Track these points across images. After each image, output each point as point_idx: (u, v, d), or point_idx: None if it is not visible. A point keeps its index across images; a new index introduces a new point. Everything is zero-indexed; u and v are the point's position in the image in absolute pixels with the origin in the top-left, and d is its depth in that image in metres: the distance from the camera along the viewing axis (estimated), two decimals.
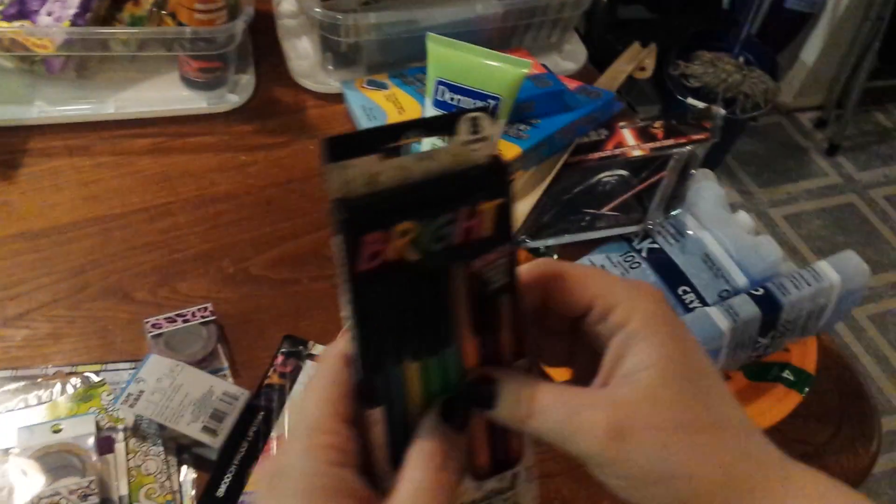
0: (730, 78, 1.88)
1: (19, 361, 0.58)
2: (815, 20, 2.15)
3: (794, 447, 0.64)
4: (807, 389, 0.63)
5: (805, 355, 0.66)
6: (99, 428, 0.54)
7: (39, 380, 0.57)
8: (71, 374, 0.58)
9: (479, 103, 0.56)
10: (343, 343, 0.30)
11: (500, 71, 0.55)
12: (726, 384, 0.31)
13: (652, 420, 0.29)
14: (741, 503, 0.29)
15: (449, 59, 0.55)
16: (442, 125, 0.29)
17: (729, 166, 2.19)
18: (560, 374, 0.38)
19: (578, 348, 0.34)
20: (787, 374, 0.65)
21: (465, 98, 0.56)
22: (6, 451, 0.52)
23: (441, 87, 0.56)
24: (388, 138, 0.28)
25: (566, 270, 0.32)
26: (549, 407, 0.30)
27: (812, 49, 2.20)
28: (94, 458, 0.52)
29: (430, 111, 0.58)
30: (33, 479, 0.49)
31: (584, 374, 0.32)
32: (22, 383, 0.57)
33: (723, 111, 0.82)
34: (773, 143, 2.28)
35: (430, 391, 0.30)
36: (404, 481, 0.29)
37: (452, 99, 0.57)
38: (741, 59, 1.97)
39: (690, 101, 1.87)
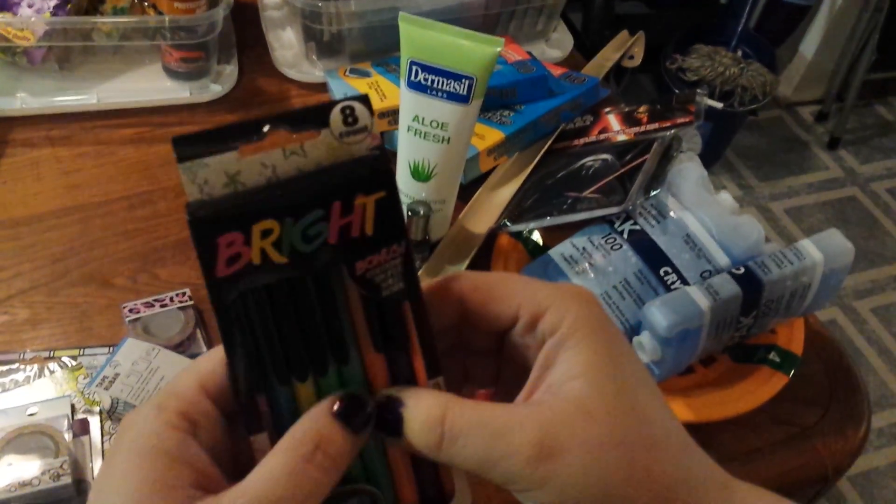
0: (727, 71, 1.87)
1: None
2: (814, 13, 2.14)
3: (782, 429, 0.64)
4: (793, 371, 0.62)
5: (791, 337, 0.65)
6: (74, 411, 0.54)
7: (17, 364, 0.57)
8: (48, 358, 0.58)
9: (453, 83, 0.56)
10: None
11: (473, 50, 0.54)
12: (663, 396, 0.29)
13: (584, 436, 0.26)
14: None
15: (421, 38, 0.55)
16: (312, 117, 0.26)
17: (729, 160, 2.18)
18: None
19: (505, 366, 0.31)
20: (773, 356, 0.64)
21: (439, 77, 0.56)
22: None
23: (414, 68, 0.56)
24: (249, 134, 0.26)
25: (485, 282, 0.29)
26: (466, 433, 0.26)
27: (811, 42, 2.19)
28: (69, 439, 0.51)
29: (405, 92, 0.58)
30: (6, 460, 0.49)
31: (512, 391, 0.29)
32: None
33: (707, 97, 0.81)
34: (773, 136, 2.27)
35: None
36: (260, 466, 0.25)
37: (426, 79, 0.56)
38: (739, 53, 1.97)
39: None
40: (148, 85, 0.78)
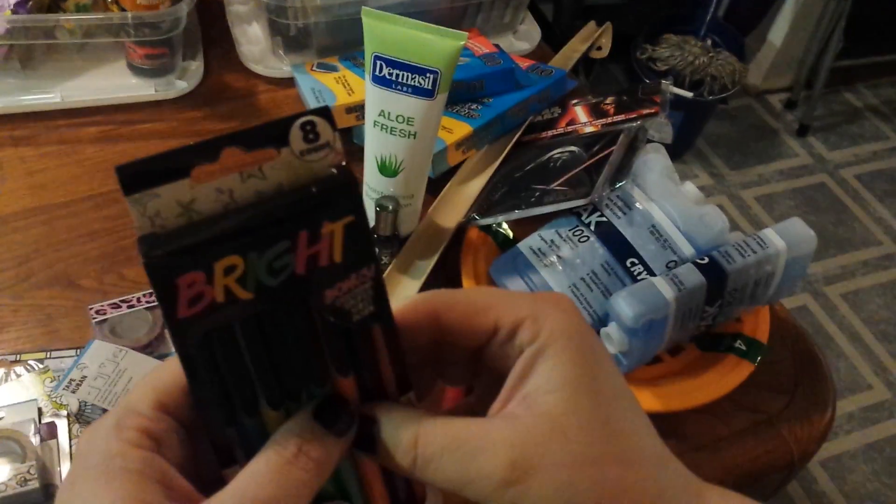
0: (697, 60, 1.88)
1: None
2: (781, 1, 2.16)
3: (748, 416, 0.65)
4: (759, 358, 0.63)
5: (757, 325, 0.66)
6: (41, 414, 0.54)
7: None
8: (14, 362, 0.57)
9: (418, 77, 0.56)
10: None
11: (436, 43, 0.54)
12: (640, 406, 0.28)
13: (557, 456, 0.25)
14: None
15: (385, 32, 0.55)
16: (269, 135, 0.24)
17: (700, 149, 2.20)
18: None
19: (482, 371, 0.31)
20: (738, 344, 0.65)
21: (403, 72, 0.56)
22: None
23: (379, 62, 0.56)
24: (201, 157, 0.23)
25: (460, 298, 0.29)
26: (437, 455, 0.26)
27: (779, 30, 2.21)
28: (36, 443, 0.51)
29: (370, 87, 0.58)
30: None
31: (488, 394, 0.29)
32: None
33: (674, 87, 0.82)
34: (743, 125, 2.30)
35: None
36: (243, 471, 0.25)
37: (390, 73, 0.56)
38: (708, 42, 1.98)
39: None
40: (112, 82, 0.78)
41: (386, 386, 0.28)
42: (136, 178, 0.23)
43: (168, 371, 0.26)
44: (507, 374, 0.28)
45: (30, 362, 0.57)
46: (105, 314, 0.59)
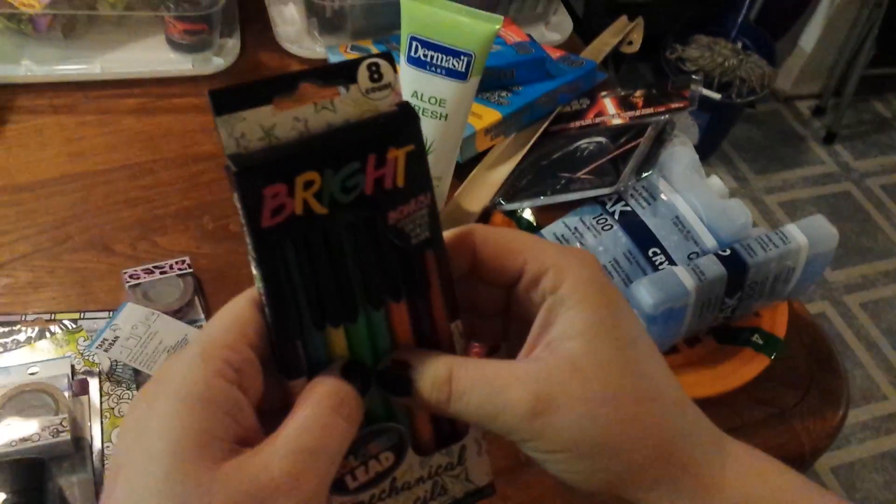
0: (726, 62, 1.88)
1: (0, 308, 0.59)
2: (814, 6, 2.15)
3: (762, 409, 0.65)
4: (775, 353, 0.64)
5: (775, 320, 0.66)
6: (74, 371, 0.55)
7: (18, 325, 0.58)
8: (49, 321, 0.59)
9: (452, 59, 0.57)
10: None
11: (471, 26, 0.55)
12: (661, 354, 0.30)
13: (578, 392, 0.27)
14: (675, 477, 0.28)
15: (422, 14, 0.56)
16: (340, 73, 0.27)
17: (726, 152, 2.19)
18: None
19: (512, 326, 0.33)
20: (756, 338, 0.65)
21: (438, 54, 0.57)
22: None
23: (414, 43, 0.57)
24: (282, 89, 0.26)
25: (495, 236, 0.31)
26: (468, 390, 0.28)
27: (811, 36, 2.20)
28: (68, 398, 0.53)
29: (405, 68, 0.59)
30: (7, 416, 0.51)
31: (517, 347, 0.31)
32: (1, 329, 0.58)
33: (703, 87, 0.82)
34: (770, 130, 2.29)
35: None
36: (291, 418, 0.27)
37: (425, 55, 0.57)
38: (739, 45, 1.98)
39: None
40: (151, 56, 0.79)
41: (435, 312, 0.30)
42: (226, 101, 0.25)
43: (241, 306, 0.27)
44: (531, 324, 0.29)
45: (64, 322, 0.59)
46: (138, 279, 0.61)
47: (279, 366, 0.28)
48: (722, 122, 2.06)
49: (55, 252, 0.64)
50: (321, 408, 0.27)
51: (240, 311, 0.27)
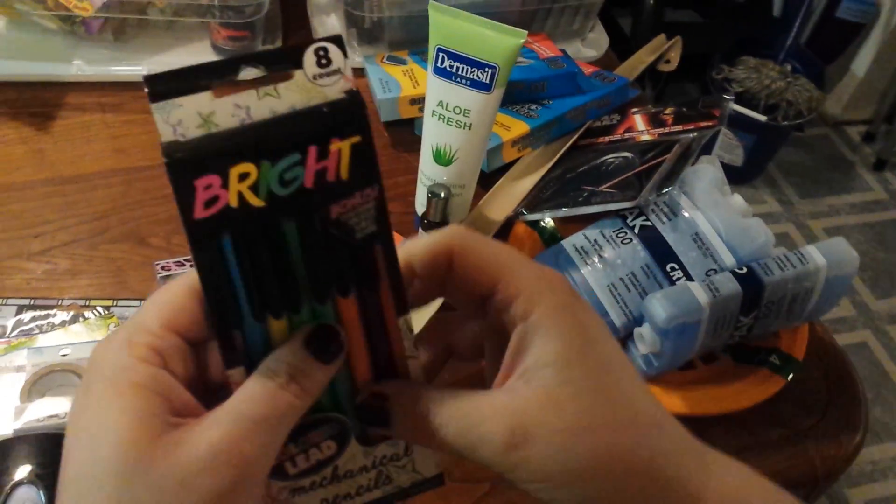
0: (773, 84, 1.86)
1: (38, 292, 0.62)
2: (867, 31, 2.12)
3: (776, 430, 0.65)
4: (792, 375, 0.64)
5: (794, 342, 0.66)
6: None
7: (55, 309, 0.61)
8: (84, 307, 0.62)
9: (477, 71, 0.59)
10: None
11: (497, 40, 0.57)
12: (637, 374, 0.30)
13: (552, 424, 0.27)
14: (656, 495, 0.28)
15: (449, 26, 0.58)
16: (286, 58, 0.26)
17: (771, 175, 2.17)
18: None
19: (489, 337, 0.33)
20: (773, 359, 0.65)
21: (463, 65, 0.59)
22: (18, 369, 0.56)
23: (441, 54, 0.59)
24: (222, 74, 0.25)
25: (474, 250, 0.30)
26: (444, 424, 0.28)
27: (863, 61, 2.17)
28: None
29: (431, 78, 0.61)
30: (37, 394, 0.54)
31: (494, 362, 0.31)
32: (38, 312, 0.61)
33: (733, 103, 0.83)
34: (818, 154, 2.25)
35: None
36: (239, 391, 0.27)
37: (451, 66, 0.59)
38: (788, 67, 1.96)
39: (732, 106, 1.86)
40: (195, 60, 0.82)
41: (384, 307, 0.29)
42: (162, 87, 0.25)
43: (174, 291, 0.28)
44: (505, 339, 0.30)
45: (98, 308, 0.62)
46: (170, 270, 0.63)
47: (220, 354, 0.28)
48: (768, 145, 2.04)
49: (94, 242, 0.67)
50: (270, 382, 0.27)
51: (171, 296, 0.28)
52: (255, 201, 0.26)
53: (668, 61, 1.01)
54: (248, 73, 0.26)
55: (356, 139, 0.26)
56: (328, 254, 0.28)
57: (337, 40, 0.27)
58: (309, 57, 0.26)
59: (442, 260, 0.30)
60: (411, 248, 0.30)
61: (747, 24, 2.15)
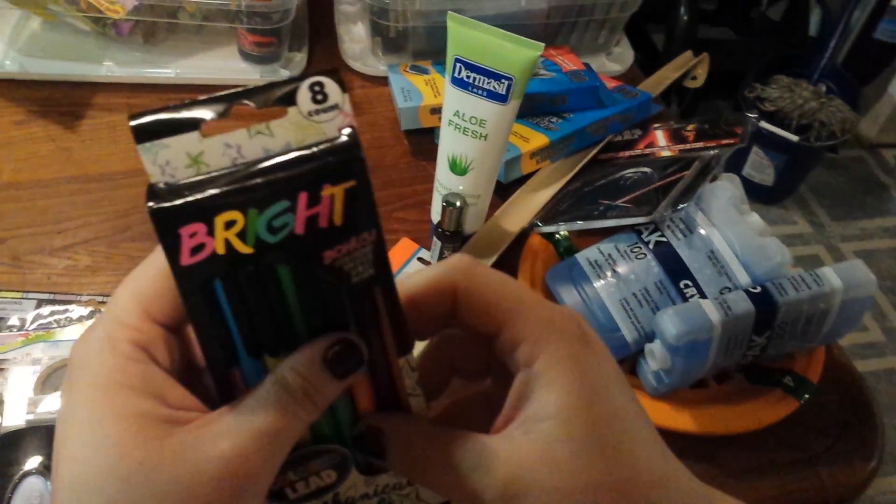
0: (806, 104, 1.84)
1: (58, 287, 0.64)
2: None
3: (788, 453, 0.64)
4: (806, 397, 0.63)
5: (809, 364, 0.65)
6: None
7: (73, 305, 0.62)
8: (102, 303, 0.63)
9: (493, 82, 0.59)
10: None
11: (513, 52, 0.57)
12: (647, 421, 0.29)
13: (548, 482, 0.26)
14: None
15: (466, 37, 0.58)
16: (278, 94, 0.25)
17: (803, 196, 2.14)
18: None
19: (495, 367, 0.32)
20: (787, 381, 0.65)
21: (480, 76, 0.59)
22: (35, 362, 0.57)
23: (458, 65, 0.59)
24: (211, 112, 0.24)
25: (478, 285, 0.29)
26: (442, 467, 0.28)
27: None
28: None
29: (448, 88, 0.61)
30: (51, 387, 0.55)
31: (499, 390, 0.30)
32: (57, 307, 0.62)
33: (756, 121, 0.82)
34: (852, 177, 2.22)
35: None
36: (249, 399, 0.26)
37: (468, 77, 0.59)
38: (822, 87, 1.94)
39: (763, 124, 1.84)
40: (223, 65, 0.84)
41: (386, 348, 0.28)
42: (148, 127, 0.24)
43: (148, 276, 0.27)
44: (512, 373, 0.29)
45: None
46: None
47: (217, 392, 0.27)
48: (799, 165, 2.01)
49: (115, 240, 0.68)
50: (285, 392, 0.26)
51: (145, 282, 0.27)
52: (243, 248, 0.25)
53: (694, 78, 1.01)
54: (247, 107, 0.25)
55: (351, 183, 0.25)
56: (325, 297, 0.26)
57: (334, 74, 0.25)
58: (303, 92, 0.25)
59: (446, 297, 0.29)
60: (413, 285, 0.29)
61: (782, 42, 2.13)
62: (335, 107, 0.25)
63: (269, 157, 0.25)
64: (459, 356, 0.32)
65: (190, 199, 0.24)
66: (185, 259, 0.24)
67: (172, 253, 0.24)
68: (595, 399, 0.27)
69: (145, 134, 0.24)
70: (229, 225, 0.24)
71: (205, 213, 0.24)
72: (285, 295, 0.26)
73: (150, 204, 0.24)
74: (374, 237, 0.26)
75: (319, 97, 0.25)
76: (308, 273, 0.26)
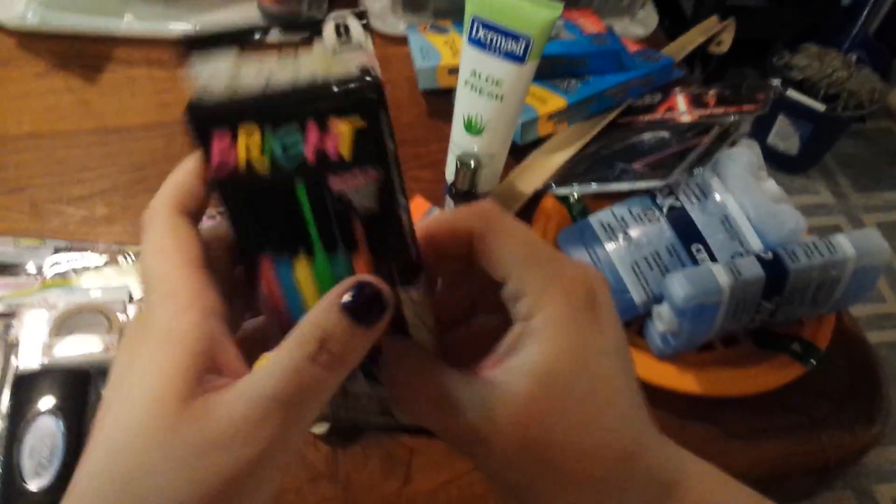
0: (835, 74, 1.81)
1: (75, 235, 0.65)
2: None
3: (791, 416, 0.65)
4: (812, 362, 0.63)
5: (818, 331, 0.65)
6: (131, 297, 0.60)
7: (89, 252, 0.64)
8: (117, 252, 0.64)
9: (510, 42, 0.59)
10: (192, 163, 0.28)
11: (532, 11, 0.57)
12: (635, 398, 0.28)
13: (513, 437, 0.27)
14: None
15: None
16: (309, 28, 0.27)
17: (828, 166, 2.11)
18: None
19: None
20: (795, 346, 0.65)
21: (497, 35, 0.59)
22: (51, 307, 0.59)
23: (476, 24, 0.59)
24: (250, 38, 0.27)
25: (494, 233, 0.29)
26: (423, 405, 0.28)
27: None
28: (122, 320, 0.58)
29: (465, 48, 0.61)
30: (65, 331, 0.56)
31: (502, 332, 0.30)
32: (74, 254, 0.64)
33: (780, 89, 0.81)
34: (879, 148, 2.19)
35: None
36: (265, 365, 0.26)
37: (485, 36, 0.59)
38: (853, 57, 1.90)
39: (790, 93, 1.81)
40: (242, 21, 0.84)
41: (392, 273, 0.29)
42: (192, 47, 0.26)
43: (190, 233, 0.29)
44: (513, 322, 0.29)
45: (129, 253, 0.64)
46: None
47: (245, 278, 0.29)
48: (825, 134, 1.98)
49: (131, 191, 0.69)
50: (297, 353, 0.26)
51: (187, 245, 0.29)
52: (261, 162, 0.26)
53: (719, 43, 0.99)
54: (275, 37, 0.27)
55: (358, 118, 0.26)
56: (335, 216, 0.28)
57: (361, 16, 0.28)
58: (329, 29, 0.27)
59: (462, 240, 0.29)
60: (432, 223, 0.30)
61: (814, 11, 2.08)
62: (358, 46, 0.28)
63: (293, 84, 0.26)
64: (477, 294, 0.32)
65: (224, 108, 0.26)
66: (216, 158, 0.26)
67: (206, 150, 0.26)
68: (584, 365, 0.27)
69: (191, 52, 0.26)
70: (250, 135, 0.26)
71: (230, 119, 0.26)
72: (303, 206, 0.27)
73: (190, 110, 0.26)
74: (382, 175, 0.27)
75: (343, 36, 0.27)
76: (318, 195, 0.27)
